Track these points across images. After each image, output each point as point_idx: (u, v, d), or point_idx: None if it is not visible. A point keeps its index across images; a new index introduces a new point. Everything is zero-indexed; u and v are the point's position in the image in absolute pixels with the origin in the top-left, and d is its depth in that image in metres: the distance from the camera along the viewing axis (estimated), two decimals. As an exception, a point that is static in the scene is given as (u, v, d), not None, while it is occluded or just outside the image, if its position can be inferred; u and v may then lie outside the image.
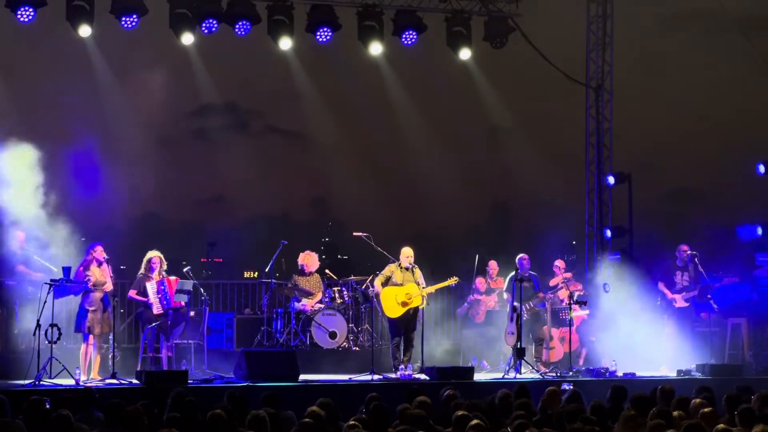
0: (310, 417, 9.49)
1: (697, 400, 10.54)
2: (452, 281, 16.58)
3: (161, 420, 9.62)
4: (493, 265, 18.44)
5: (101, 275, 14.90)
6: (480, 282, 18.26)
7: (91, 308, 14.75)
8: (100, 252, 14.93)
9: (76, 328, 14.95)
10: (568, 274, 17.95)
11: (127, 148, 20.73)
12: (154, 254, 15.59)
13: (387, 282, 16.26)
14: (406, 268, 16.22)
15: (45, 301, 14.05)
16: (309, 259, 17.83)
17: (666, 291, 17.51)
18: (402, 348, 16.15)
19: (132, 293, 15.66)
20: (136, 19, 17.13)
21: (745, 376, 15.98)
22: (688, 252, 17.57)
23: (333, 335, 17.22)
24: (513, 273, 17.06)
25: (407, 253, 16.28)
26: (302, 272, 17.76)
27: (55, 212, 15.72)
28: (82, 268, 14.77)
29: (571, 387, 11.69)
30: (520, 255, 17.28)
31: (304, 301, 17.48)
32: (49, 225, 15.68)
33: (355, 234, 17.61)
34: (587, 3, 20.13)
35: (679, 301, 17.46)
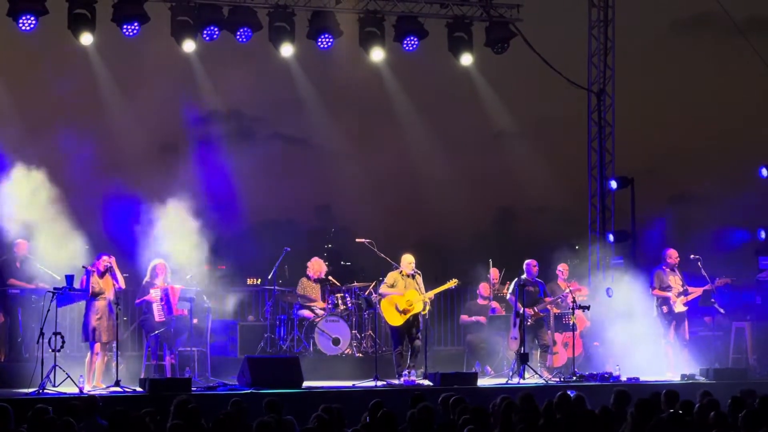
0: (314, 423, 9.48)
1: (701, 404, 10.54)
2: (452, 283, 16.47)
3: (165, 428, 9.62)
4: (494, 273, 18.41)
5: (106, 284, 14.90)
6: (484, 287, 18.24)
7: (96, 316, 14.76)
8: (107, 261, 14.92)
9: (83, 337, 14.95)
10: (573, 284, 17.80)
11: (131, 156, 20.73)
12: (158, 261, 15.63)
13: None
14: (408, 275, 16.20)
15: (48, 310, 14.07)
16: (317, 265, 17.90)
17: (667, 294, 17.40)
18: (405, 354, 16.12)
19: (138, 300, 15.78)
20: (137, 27, 17.12)
21: (749, 379, 15.98)
22: (677, 257, 17.51)
23: (336, 342, 17.23)
24: (518, 278, 17.04)
25: (409, 260, 16.24)
26: (309, 278, 17.85)
27: (62, 221, 15.76)
28: (91, 277, 14.76)
29: (576, 393, 11.66)
30: (528, 260, 17.23)
31: (308, 309, 17.51)
32: (56, 234, 15.70)
33: (358, 240, 17.63)
34: (588, 8, 20.11)
35: (679, 305, 17.39)
